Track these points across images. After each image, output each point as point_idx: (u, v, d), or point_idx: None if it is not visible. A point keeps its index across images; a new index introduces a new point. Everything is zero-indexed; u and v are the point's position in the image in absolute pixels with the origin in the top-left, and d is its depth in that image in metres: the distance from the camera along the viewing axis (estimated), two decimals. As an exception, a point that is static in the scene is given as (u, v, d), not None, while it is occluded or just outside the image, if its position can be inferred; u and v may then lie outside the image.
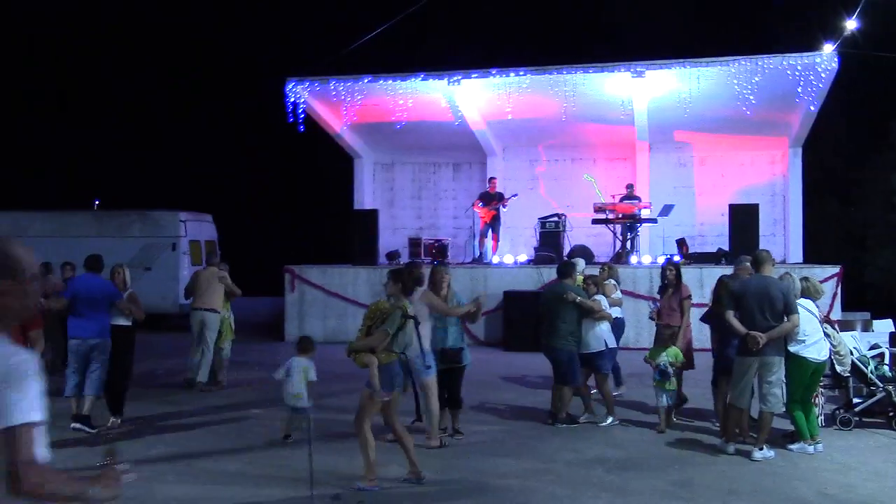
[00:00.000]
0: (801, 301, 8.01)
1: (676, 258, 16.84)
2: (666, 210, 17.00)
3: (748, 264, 8.56)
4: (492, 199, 17.44)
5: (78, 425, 8.57)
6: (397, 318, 6.76)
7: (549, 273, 15.87)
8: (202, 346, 11.44)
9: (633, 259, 16.70)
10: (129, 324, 9.22)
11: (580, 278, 9.87)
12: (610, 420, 8.97)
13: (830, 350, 8.30)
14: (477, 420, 9.21)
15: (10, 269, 2.37)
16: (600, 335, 9.06)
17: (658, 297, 10.39)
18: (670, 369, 8.70)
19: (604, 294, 9.67)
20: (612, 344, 9.22)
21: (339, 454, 7.43)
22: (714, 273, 14.59)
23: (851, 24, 15.20)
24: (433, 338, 8.09)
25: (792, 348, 7.73)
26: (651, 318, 10.26)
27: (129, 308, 9.12)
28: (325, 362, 13.76)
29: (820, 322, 8.13)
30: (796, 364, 7.76)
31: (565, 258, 16.54)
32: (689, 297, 9.78)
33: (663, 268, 10.22)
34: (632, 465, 7.27)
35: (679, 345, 9.05)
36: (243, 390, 11.34)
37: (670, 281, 9.88)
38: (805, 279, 8.61)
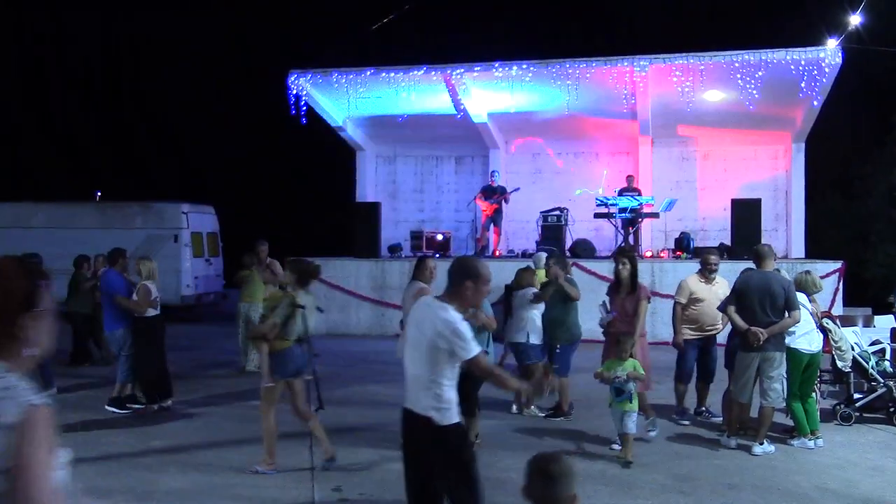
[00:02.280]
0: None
1: (662, 253, 16.83)
2: (668, 205, 16.99)
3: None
4: (493, 193, 17.44)
5: (110, 407, 9.29)
6: (285, 307, 6.90)
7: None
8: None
9: (647, 253, 16.68)
10: (148, 315, 9.34)
11: (541, 273, 10.01)
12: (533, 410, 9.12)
13: (825, 343, 8.33)
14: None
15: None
16: (523, 328, 9.10)
17: (607, 297, 8.61)
18: (631, 385, 7.32)
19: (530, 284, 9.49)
20: (533, 341, 9.10)
21: (340, 446, 7.44)
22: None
23: (855, 20, 15.17)
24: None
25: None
26: (601, 327, 8.50)
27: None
28: (327, 356, 13.82)
29: (812, 314, 8.15)
30: (789, 356, 7.79)
31: (567, 252, 16.61)
32: (648, 298, 8.44)
33: (615, 260, 8.58)
34: (633, 459, 7.27)
35: (638, 358, 7.65)
36: (245, 381, 11.35)
37: (623, 279, 8.33)
38: (807, 272, 8.65)
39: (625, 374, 7.34)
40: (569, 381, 9.09)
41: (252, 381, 11.27)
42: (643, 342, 8.27)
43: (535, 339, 9.11)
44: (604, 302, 8.55)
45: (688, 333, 8.79)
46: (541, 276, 10.03)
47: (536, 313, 9.08)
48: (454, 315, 4.19)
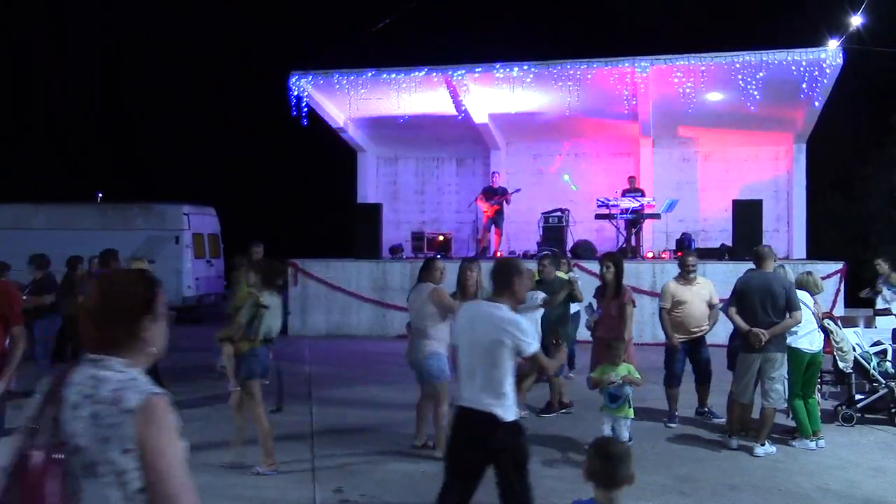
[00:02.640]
0: (797, 292, 8.03)
1: (661, 254, 16.81)
2: (670, 206, 16.98)
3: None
4: (494, 194, 17.43)
5: None
6: (249, 308, 6.92)
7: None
8: None
9: (650, 254, 16.69)
10: None
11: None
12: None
13: (826, 343, 8.33)
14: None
15: None
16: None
17: (594, 300, 8.75)
18: (627, 389, 7.22)
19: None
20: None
21: (340, 447, 7.44)
22: (718, 269, 14.66)
23: (856, 20, 15.18)
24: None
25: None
26: (588, 328, 8.69)
27: None
28: (327, 356, 13.83)
29: (814, 314, 8.15)
30: (790, 355, 7.78)
31: (568, 253, 16.60)
32: (633, 302, 8.38)
33: (599, 263, 8.50)
34: (634, 460, 7.26)
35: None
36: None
37: (608, 282, 8.32)
38: (808, 273, 8.65)
39: (619, 379, 7.18)
40: (562, 381, 9.15)
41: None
42: (630, 348, 8.06)
43: (537, 342, 8.97)
44: (590, 304, 8.53)
45: (674, 335, 8.72)
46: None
47: (538, 316, 9.00)
48: (512, 313, 4.53)
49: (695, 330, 8.72)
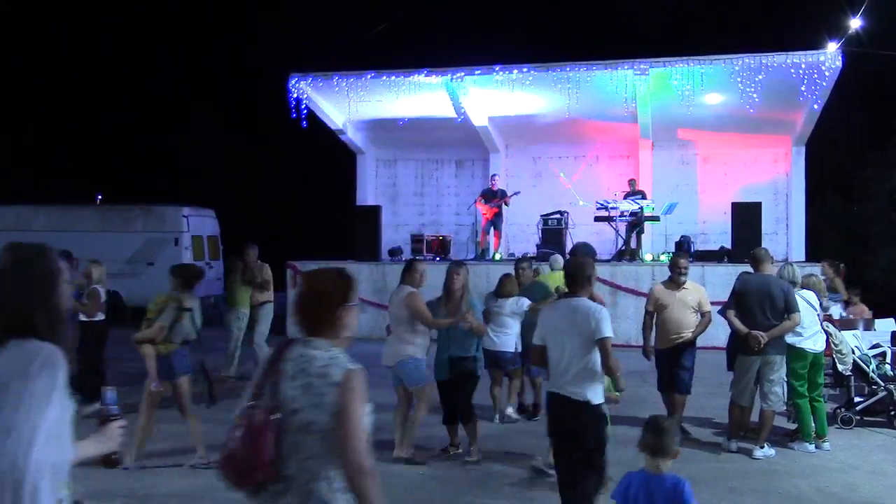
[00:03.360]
0: (803, 292, 8.04)
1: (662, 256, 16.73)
2: (669, 208, 16.99)
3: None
4: (494, 197, 17.43)
5: None
6: (172, 311, 7.14)
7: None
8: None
9: (648, 256, 16.67)
10: (96, 319, 9.36)
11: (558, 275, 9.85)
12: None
13: (829, 342, 8.34)
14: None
15: None
16: (511, 335, 8.80)
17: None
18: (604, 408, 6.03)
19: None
20: (519, 348, 8.80)
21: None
22: (717, 272, 14.67)
23: (855, 23, 15.22)
24: (442, 344, 7.53)
25: (789, 339, 7.75)
26: None
27: (75, 306, 9.19)
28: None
29: (819, 315, 8.15)
30: (794, 355, 7.79)
31: (568, 255, 16.60)
32: (602, 303, 7.40)
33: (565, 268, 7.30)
34: (633, 463, 7.26)
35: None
36: (243, 384, 11.35)
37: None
38: (814, 275, 8.64)
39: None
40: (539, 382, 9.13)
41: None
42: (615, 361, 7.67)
43: (520, 347, 8.81)
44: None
45: (658, 342, 8.37)
46: (555, 278, 9.88)
47: (518, 320, 8.82)
48: (596, 304, 5.23)
49: (674, 336, 8.25)
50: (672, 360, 8.31)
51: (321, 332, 2.93)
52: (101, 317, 9.40)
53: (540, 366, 5.51)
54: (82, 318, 9.30)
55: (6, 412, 2.34)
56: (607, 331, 5.05)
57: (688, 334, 8.27)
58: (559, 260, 10.73)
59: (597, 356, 5.02)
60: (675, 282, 8.42)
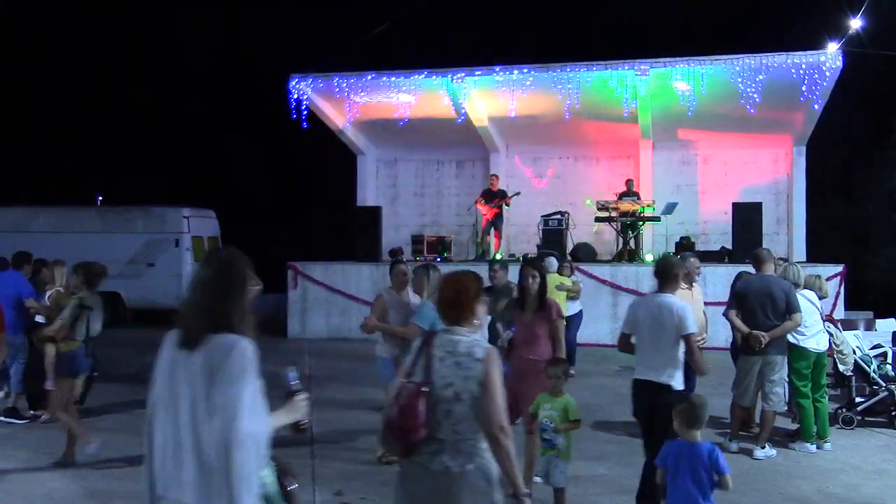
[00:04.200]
0: (804, 292, 8.04)
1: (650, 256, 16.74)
2: (670, 208, 16.99)
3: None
4: (494, 197, 17.43)
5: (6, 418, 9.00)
6: (73, 308, 7.25)
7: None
8: None
9: (649, 257, 16.69)
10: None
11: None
12: None
13: (831, 342, 8.33)
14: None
15: None
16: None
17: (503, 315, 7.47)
18: (560, 441, 5.79)
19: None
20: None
21: (340, 450, 7.44)
22: (718, 272, 14.65)
23: (856, 23, 15.20)
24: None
25: (792, 339, 7.75)
26: (501, 348, 6.81)
27: (35, 308, 9.07)
28: (327, 359, 13.81)
29: (821, 315, 8.14)
30: (797, 355, 7.78)
31: (568, 256, 16.60)
32: (561, 317, 6.76)
33: (521, 272, 6.78)
34: (634, 463, 7.27)
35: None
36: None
37: (532, 293, 6.62)
38: (817, 276, 8.62)
39: (552, 423, 5.77)
40: None
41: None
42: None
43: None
44: (495, 321, 7.26)
45: None
46: (555, 279, 10.01)
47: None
48: (682, 301, 5.90)
49: (697, 340, 8.28)
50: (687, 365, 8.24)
51: (461, 322, 3.64)
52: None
53: (626, 352, 6.07)
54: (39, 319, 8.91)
55: (218, 392, 2.90)
56: (691, 327, 5.71)
57: (706, 334, 8.21)
58: (554, 263, 10.73)
59: (679, 348, 5.68)
60: (689, 283, 8.16)
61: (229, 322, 3.02)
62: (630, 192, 17.26)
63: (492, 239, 17.51)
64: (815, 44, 16.06)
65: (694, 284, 8.42)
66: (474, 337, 3.61)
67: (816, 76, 15.63)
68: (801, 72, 15.63)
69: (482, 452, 3.47)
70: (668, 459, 4.61)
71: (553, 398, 5.88)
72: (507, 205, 17.49)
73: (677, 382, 5.70)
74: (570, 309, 11.05)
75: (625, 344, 6.01)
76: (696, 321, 8.15)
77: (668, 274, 5.85)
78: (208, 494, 2.88)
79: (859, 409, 8.78)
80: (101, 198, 23.20)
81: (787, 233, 18.69)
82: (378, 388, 10.85)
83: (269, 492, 3.09)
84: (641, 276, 15.39)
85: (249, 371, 2.95)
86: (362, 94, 17.81)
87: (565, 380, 6.00)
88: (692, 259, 8.64)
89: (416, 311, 7.20)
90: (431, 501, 3.44)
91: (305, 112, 17.70)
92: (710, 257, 16.09)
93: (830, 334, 8.62)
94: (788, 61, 15.64)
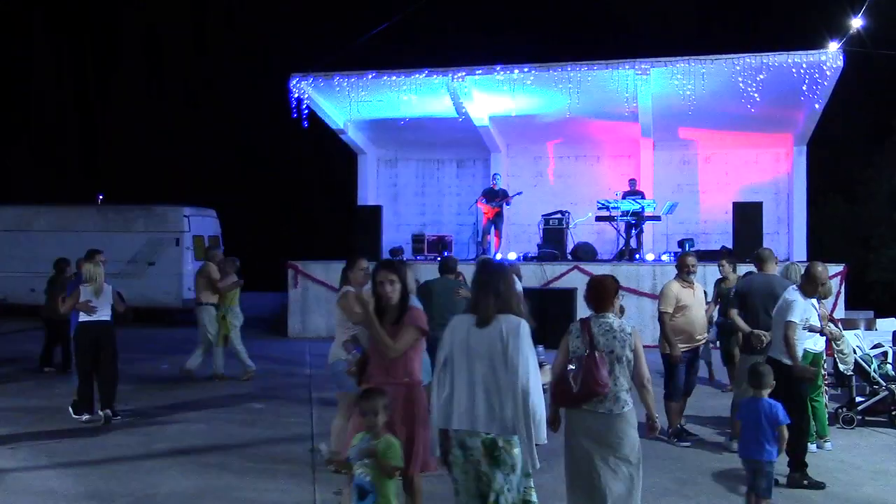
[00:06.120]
0: None
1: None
2: (670, 208, 16.98)
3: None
4: (495, 196, 17.43)
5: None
6: None
7: (552, 270, 15.91)
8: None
9: (651, 256, 16.69)
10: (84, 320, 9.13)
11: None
12: None
13: (827, 345, 8.32)
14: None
15: None
16: None
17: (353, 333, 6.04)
18: (366, 480, 4.50)
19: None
20: None
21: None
22: (717, 271, 14.62)
23: (857, 23, 15.15)
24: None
25: None
26: (349, 373, 5.71)
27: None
28: (327, 358, 13.82)
29: (819, 314, 8.13)
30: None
31: (568, 255, 16.60)
32: (425, 332, 5.15)
33: (373, 276, 5.23)
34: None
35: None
36: (245, 384, 11.36)
37: (391, 301, 5.09)
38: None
39: (365, 468, 4.52)
40: None
41: (253, 385, 11.31)
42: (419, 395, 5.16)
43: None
44: (353, 336, 5.89)
45: (677, 345, 8.12)
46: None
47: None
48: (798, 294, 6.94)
49: (699, 337, 8.25)
50: (689, 363, 8.28)
51: (607, 309, 4.96)
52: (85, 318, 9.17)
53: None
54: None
55: (513, 355, 4.21)
56: (790, 316, 6.73)
57: (707, 333, 8.33)
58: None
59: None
60: (686, 280, 8.30)
61: (510, 307, 4.36)
62: (634, 192, 17.25)
63: (492, 238, 17.51)
64: (816, 43, 16.04)
65: (696, 283, 8.47)
66: (619, 320, 4.94)
67: (817, 75, 15.62)
68: (802, 71, 15.63)
69: (629, 401, 4.82)
70: (742, 413, 5.90)
71: (369, 437, 4.58)
72: (508, 204, 17.50)
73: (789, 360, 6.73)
74: None
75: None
76: (703, 320, 8.31)
77: (809, 278, 6.97)
78: (498, 424, 4.23)
79: (860, 408, 8.78)
80: (101, 197, 23.15)
81: (787, 232, 18.70)
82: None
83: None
84: (642, 275, 15.39)
85: (530, 341, 4.25)
86: (363, 93, 17.81)
87: (385, 416, 4.59)
88: (689, 258, 8.50)
89: None
90: (601, 433, 4.76)
91: (306, 111, 17.70)
92: (710, 257, 16.07)
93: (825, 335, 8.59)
94: (789, 60, 15.64)
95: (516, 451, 4.25)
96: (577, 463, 4.87)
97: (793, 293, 6.86)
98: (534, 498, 4.50)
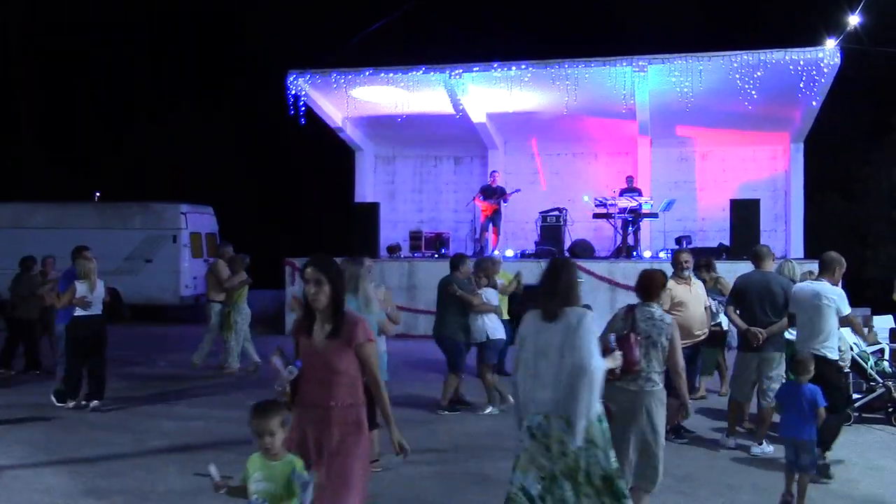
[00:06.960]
0: None
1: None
2: (668, 205, 16.99)
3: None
4: (493, 194, 17.43)
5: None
6: None
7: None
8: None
9: (648, 253, 16.70)
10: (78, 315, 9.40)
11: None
12: (489, 409, 9.21)
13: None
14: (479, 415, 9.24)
15: None
16: (481, 327, 9.23)
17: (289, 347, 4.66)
18: None
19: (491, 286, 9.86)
20: (494, 336, 9.30)
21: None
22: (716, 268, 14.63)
23: (854, 19, 15.16)
24: None
25: (789, 336, 7.75)
26: (278, 389, 4.22)
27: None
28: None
29: None
30: (791, 350, 7.78)
31: (566, 252, 16.60)
32: (371, 339, 4.21)
33: (303, 276, 4.13)
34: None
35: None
36: (243, 380, 11.35)
37: (322, 307, 4.12)
38: (809, 273, 8.62)
39: (260, 493, 3.79)
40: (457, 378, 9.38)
41: (251, 382, 11.30)
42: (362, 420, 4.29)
43: (495, 335, 9.47)
44: (278, 348, 4.31)
45: None
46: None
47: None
48: (835, 287, 7.26)
49: (698, 333, 8.26)
50: (688, 359, 8.19)
51: (653, 299, 5.54)
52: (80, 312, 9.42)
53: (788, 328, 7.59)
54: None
55: (577, 342, 4.50)
56: (845, 309, 7.08)
57: (706, 329, 8.36)
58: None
59: (829, 326, 7.01)
60: (681, 277, 8.33)
61: (573, 302, 4.70)
62: (631, 189, 17.26)
63: (490, 235, 17.51)
64: (814, 40, 16.06)
65: (693, 279, 8.48)
66: (661, 310, 5.52)
67: (815, 73, 15.64)
68: (800, 68, 15.65)
69: (659, 382, 5.35)
70: (783, 396, 6.41)
71: (269, 462, 3.84)
72: (506, 201, 17.49)
73: (831, 353, 7.03)
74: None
75: (789, 321, 7.50)
76: (702, 316, 8.31)
77: (828, 265, 7.24)
78: (562, 404, 4.50)
79: (857, 405, 8.78)
80: (98, 194, 23.11)
81: (784, 230, 18.73)
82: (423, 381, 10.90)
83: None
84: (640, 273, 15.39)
85: (593, 330, 4.59)
86: (360, 90, 17.80)
87: (284, 433, 3.88)
88: (683, 254, 8.62)
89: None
90: (634, 406, 5.27)
91: (303, 108, 17.69)
92: (707, 254, 16.06)
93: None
94: (787, 58, 15.65)
95: (593, 427, 4.55)
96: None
97: (830, 288, 7.08)
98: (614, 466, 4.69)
